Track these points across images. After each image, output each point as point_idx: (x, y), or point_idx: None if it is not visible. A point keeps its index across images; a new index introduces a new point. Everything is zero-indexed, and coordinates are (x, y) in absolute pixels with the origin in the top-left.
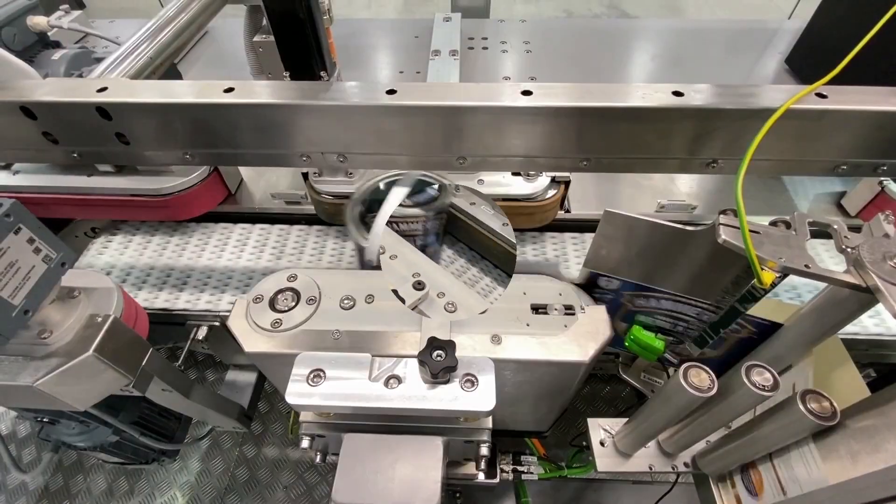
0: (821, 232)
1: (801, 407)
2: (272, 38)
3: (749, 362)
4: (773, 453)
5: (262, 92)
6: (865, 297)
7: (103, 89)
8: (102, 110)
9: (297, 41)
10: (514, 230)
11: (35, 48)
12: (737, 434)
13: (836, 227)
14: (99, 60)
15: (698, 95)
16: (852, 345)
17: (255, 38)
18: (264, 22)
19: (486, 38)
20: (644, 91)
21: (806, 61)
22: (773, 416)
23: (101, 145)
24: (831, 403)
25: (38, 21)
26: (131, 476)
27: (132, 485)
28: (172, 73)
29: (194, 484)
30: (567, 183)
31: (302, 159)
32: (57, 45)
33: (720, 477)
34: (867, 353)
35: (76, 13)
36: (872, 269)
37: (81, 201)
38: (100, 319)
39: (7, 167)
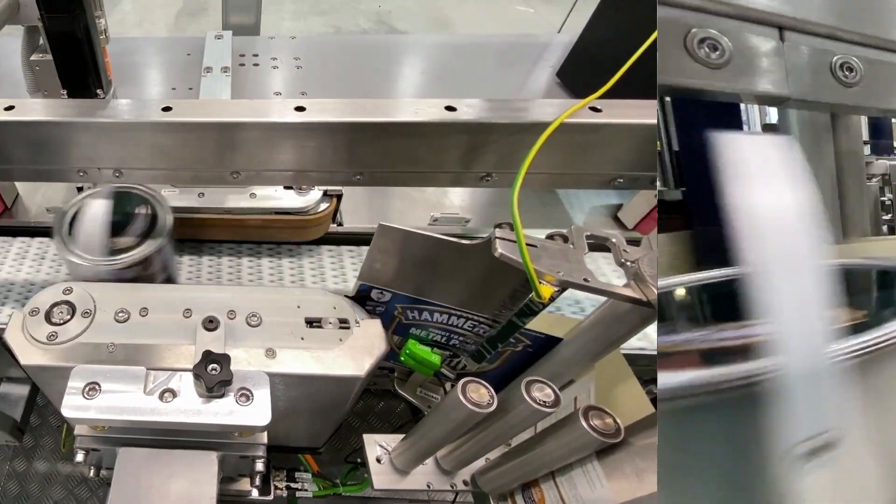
0: (600, 245)
1: (584, 423)
2: (50, 56)
3: (529, 377)
4: (555, 471)
5: (41, 109)
6: (647, 311)
7: None
8: None
9: (75, 60)
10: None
11: None
12: (517, 451)
13: (614, 240)
14: None
15: (471, 110)
16: (635, 360)
17: (33, 57)
18: (41, 41)
19: (256, 55)
20: (417, 106)
21: (577, 75)
22: (555, 433)
23: None
24: (615, 420)
25: None
26: None
27: None
28: None
29: None
30: (339, 196)
31: (79, 174)
32: None
33: (501, 496)
34: (650, 369)
35: None
36: (653, 283)
37: None
38: None
39: None
